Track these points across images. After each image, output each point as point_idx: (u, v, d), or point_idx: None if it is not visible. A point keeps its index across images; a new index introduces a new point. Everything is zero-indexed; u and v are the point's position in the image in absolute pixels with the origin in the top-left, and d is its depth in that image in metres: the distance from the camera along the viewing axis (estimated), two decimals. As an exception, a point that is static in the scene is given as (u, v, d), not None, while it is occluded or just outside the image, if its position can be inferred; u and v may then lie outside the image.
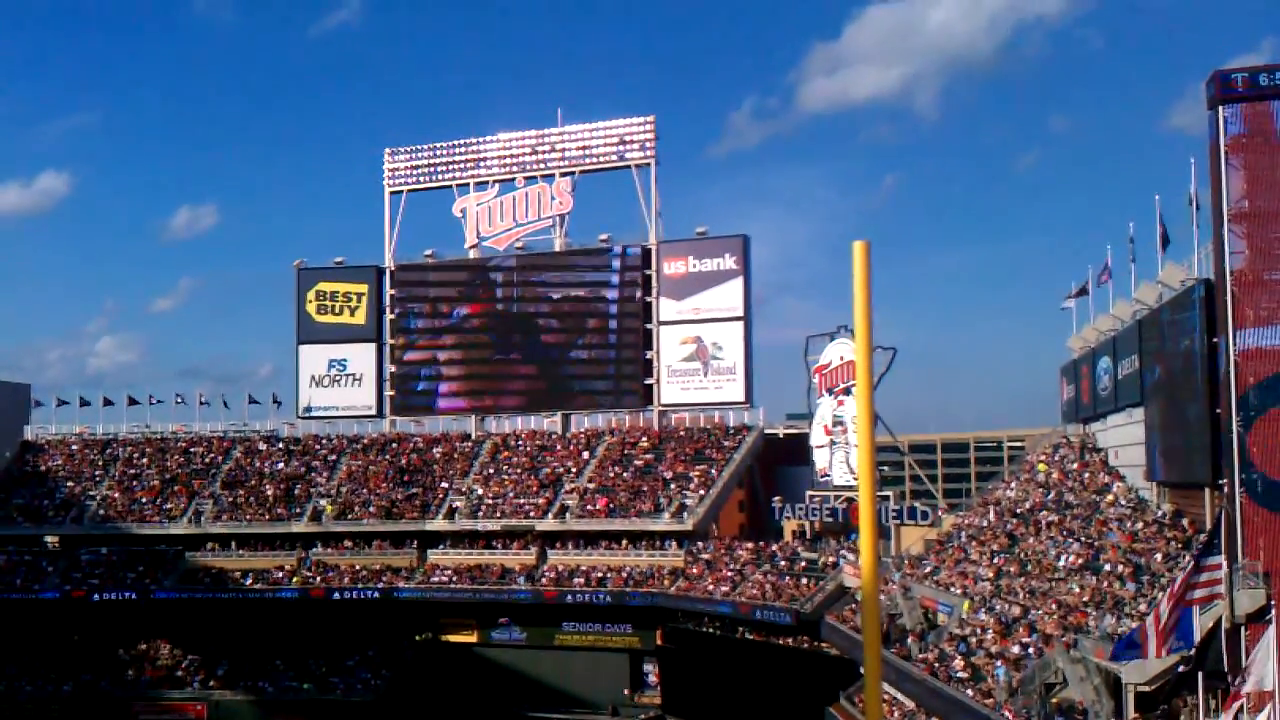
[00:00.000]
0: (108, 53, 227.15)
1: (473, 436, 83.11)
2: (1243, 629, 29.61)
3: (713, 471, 73.18)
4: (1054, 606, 39.26)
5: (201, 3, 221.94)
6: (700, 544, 69.79)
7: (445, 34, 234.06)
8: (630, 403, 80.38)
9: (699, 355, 77.66)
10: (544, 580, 70.76)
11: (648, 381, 79.11)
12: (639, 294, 79.54)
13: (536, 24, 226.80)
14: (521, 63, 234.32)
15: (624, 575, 69.17)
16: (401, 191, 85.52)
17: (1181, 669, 29.60)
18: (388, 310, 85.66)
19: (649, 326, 79.18)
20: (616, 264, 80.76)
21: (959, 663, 40.91)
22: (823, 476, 68.52)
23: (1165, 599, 28.69)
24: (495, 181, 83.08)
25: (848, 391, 65.58)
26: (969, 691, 38.57)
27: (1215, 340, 33.71)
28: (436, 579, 72.72)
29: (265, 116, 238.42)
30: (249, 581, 74.55)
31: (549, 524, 73.16)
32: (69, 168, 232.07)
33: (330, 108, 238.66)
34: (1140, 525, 41.62)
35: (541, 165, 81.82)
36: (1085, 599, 38.35)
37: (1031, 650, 37.94)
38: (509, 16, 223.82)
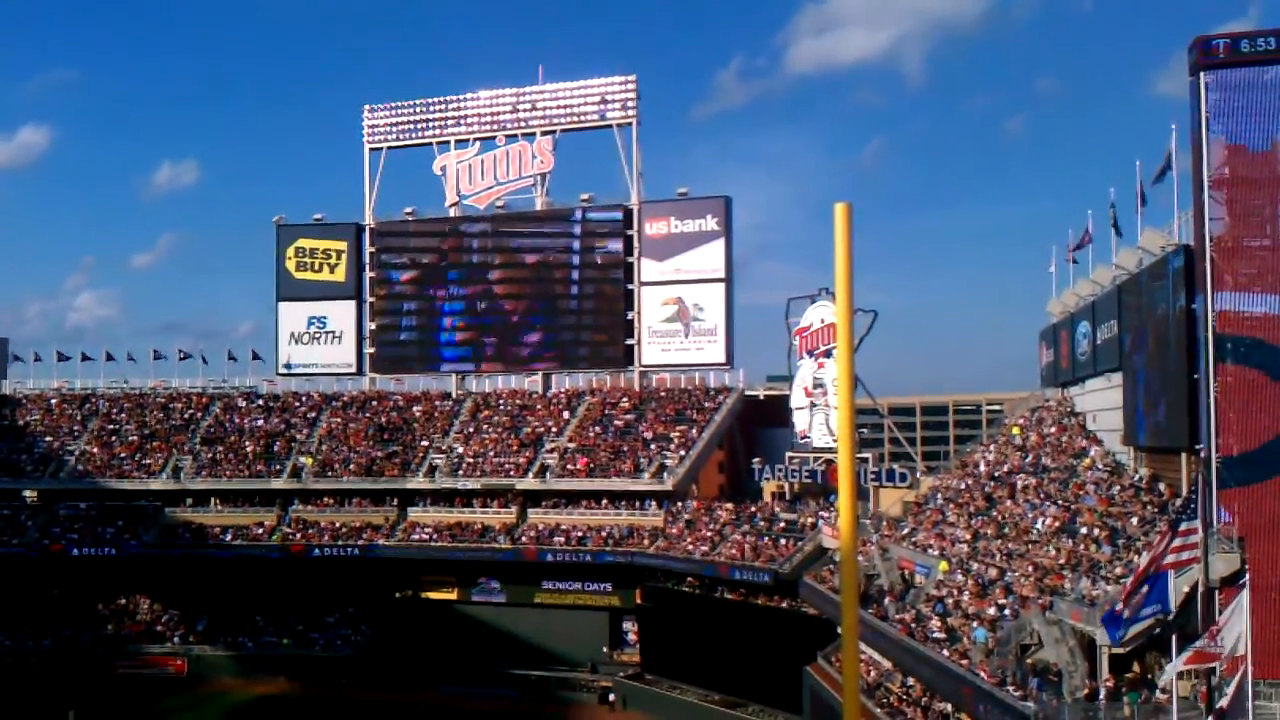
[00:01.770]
0: (87, 6, 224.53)
1: (453, 395, 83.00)
2: (1217, 592, 29.92)
3: (693, 432, 73.32)
4: (1030, 569, 39.54)
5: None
6: (680, 504, 70.03)
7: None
8: (611, 363, 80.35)
9: (680, 316, 77.53)
10: (524, 539, 70.95)
11: (629, 342, 78.96)
12: (620, 254, 79.27)
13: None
14: (503, 19, 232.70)
15: (604, 535, 69.41)
16: (381, 149, 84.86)
17: (1156, 631, 29.90)
18: (367, 268, 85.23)
19: (630, 287, 78.95)
20: (596, 224, 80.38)
21: (936, 623, 41.22)
22: (802, 438, 68.65)
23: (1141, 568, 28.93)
24: (476, 139, 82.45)
25: (828, 354, 65.65)
26: (945, 652, 38.89)
27: (1193, 306, 33.81)
28: (417, 537, 72.84)
29: (246, 72, 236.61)
30: (229, 538, 74.56)
31: (529, 483, 73.24)
32: (49, 122, 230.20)
33: (311, 64, 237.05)
34: (1117, 489, 41.84)
35: (522, 124, 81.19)
36: (1061, 562, 38.62)
37: (1008, 612, 38.24)
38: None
